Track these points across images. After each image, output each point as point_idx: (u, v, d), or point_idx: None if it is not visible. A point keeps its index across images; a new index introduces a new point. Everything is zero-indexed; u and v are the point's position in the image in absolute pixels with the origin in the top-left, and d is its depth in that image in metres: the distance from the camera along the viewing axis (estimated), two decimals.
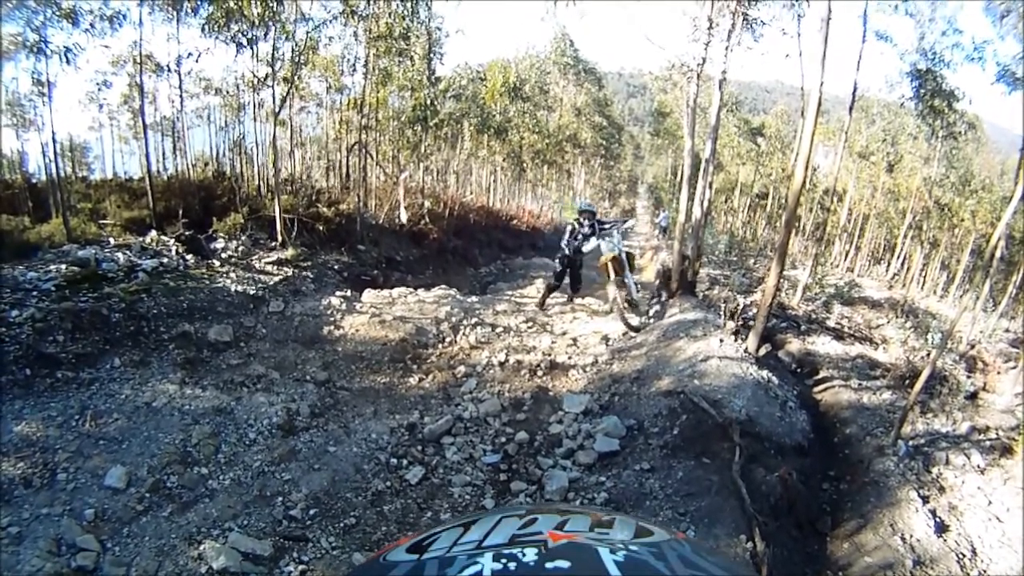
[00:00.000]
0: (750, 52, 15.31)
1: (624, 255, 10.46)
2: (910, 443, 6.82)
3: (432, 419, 7.35)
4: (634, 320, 10.31)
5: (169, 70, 17.03)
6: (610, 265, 10.47)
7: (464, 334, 9.76)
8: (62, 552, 4.65)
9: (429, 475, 6.35)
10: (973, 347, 10.23)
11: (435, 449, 6.85)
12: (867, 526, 5.69)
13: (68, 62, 12.54)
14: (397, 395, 8.05)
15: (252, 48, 15.31)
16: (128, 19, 14.07)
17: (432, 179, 26.73)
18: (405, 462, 6.50)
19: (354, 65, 19.01)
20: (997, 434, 7.22)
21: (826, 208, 26.62)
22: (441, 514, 5.77)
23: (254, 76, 16.11)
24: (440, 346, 9.46)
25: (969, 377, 9.08)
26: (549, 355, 9.21)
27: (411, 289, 12.16)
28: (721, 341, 8.53)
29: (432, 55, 20.57)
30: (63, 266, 9.31)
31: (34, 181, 14.60)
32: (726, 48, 11.31)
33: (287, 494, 5.72)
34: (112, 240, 11.02)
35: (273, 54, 14.78)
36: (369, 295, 11.52)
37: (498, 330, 10.09)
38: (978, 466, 6.47)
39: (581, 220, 11.50)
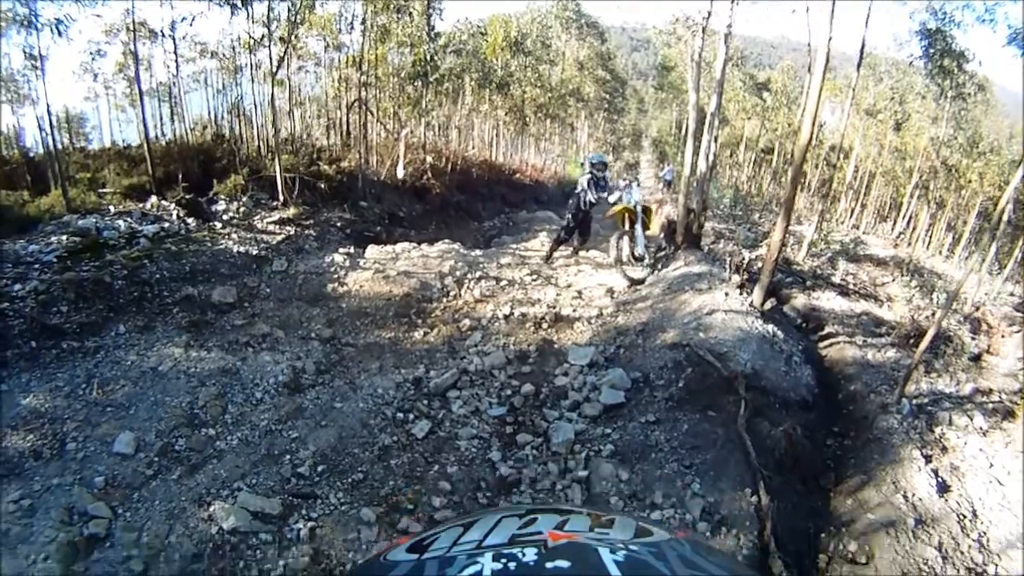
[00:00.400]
0: (756, 6, 15.03)
1: (640, 208, 10.33)
2: (914, 402, 6.82)
3: (438, 373, 7.35)
4: (636, 273, 10.24)
5: (163, 36, 16.94)
6: (624, 216, 10.38)
7: (468, 288, 9.72)
8: (74, 521, 4.68)
9: (435, 429, 6.37)
10: (978, 309, 10.16)
11: (441, 403, 6.85)
12: (870, 483, 5.71)
13: (60, 34, 12.41)
14: (402, 350, 8.05)
15: (247, 9, 15.19)
16: None
17: (434, 135, 26.52)
18: (411, 416, 6.50)
19: (352, 23, 18.87)
20: (1000, 397, 7.22)
21: (832, 165, 26.33)
22: (448, 467, 5.79)
23: (250, 37, 16.02)
24: (444, 300, 9.43)
25: (973, 339, 9.04)
26: (554, 308, 9.18)
27: (414, 244, 12.08)
28: (726, 295, 8.50)
29: (431, 10, 20.25)
30: (64, 237, 9.32)
31: (32, 155, 14.55)
32: (732, 1, 11.04)
33: (295, 452, 5.74)
34: (112, 208, 11.00)
35: (269, 14, 14.61)
36: (372, 251, 11.46)
37: (502, 283, 10.03)
38: (980, 428, 6.47)
39: (596, 172, 11.36)
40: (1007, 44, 14.91)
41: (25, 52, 12.75)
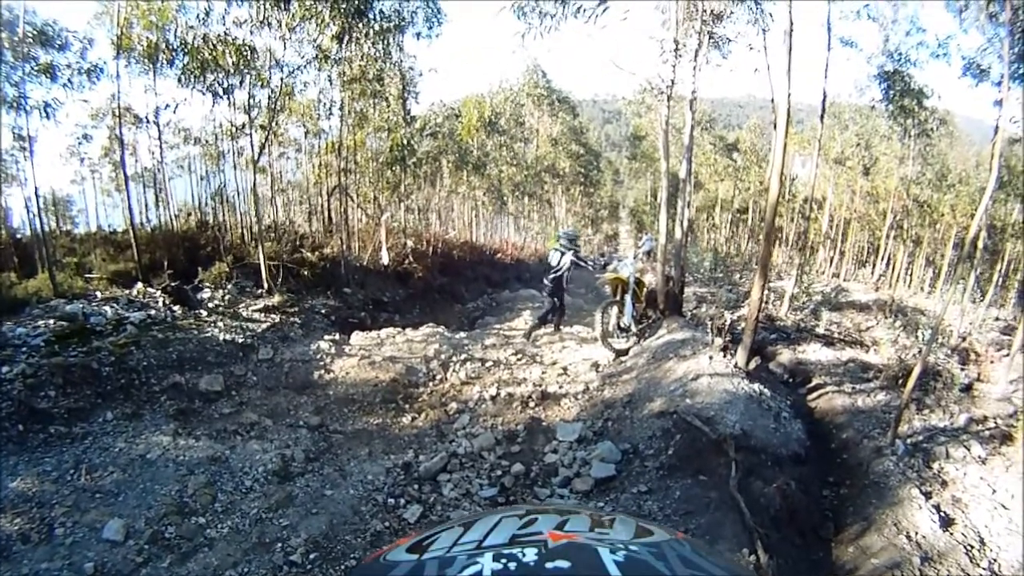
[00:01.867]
0: (719, 69, 15.55)
1: (633, 280, 10.53)
2: (908, 441, 6.89)
3: (427, 457, 7.35)
4: (621, 344, 10.37)
5: (148, 121, 17.29)
6: (617, 285, 10.57)
7: (454, 370, 9.80)
8: None
9: (427, 513, 6.35)
10: (964, 339, 10.33)
11: (432, 487, 6.84)
12: (871, 528, 5.72)
13: (48, 116, 12.73)
14: (391, 435, 8.08)
15: (229, 97, 15.56)
16: (105, 72, 14.36)
17: (414, 218, 26.89)
18: (402, 501, 6.49)
19: (330, 109, 19.30)
20: (996, 423, 7.29)
21: (807, 216, 26.95)
22: None
23: (232, 124, 16.36)
24: (431, 384, 9.49)
25: (963, 369, 9.17)
26: (540, 385, 9.26)
27: (399, 329, 12.20)
28: (711, 358, 8.61)
29: (407, 95, 20.90)
30: (51, 321, 9.34)
31: (19, 236, 14.64)
32: (694, 67, 11.50)
33: (286, 540, 5.71)
34: (99, 294, 11.05)
35: (249, 102, 14.99)
36: (358, 337, 11.54)
37: (488, 364, 10.12)
38: (979, 456, 6.51)
39: (565, 246, 11.62)
40: (963, 75, 15.50)
41: (14, 133, 12.96)
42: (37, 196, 12.98)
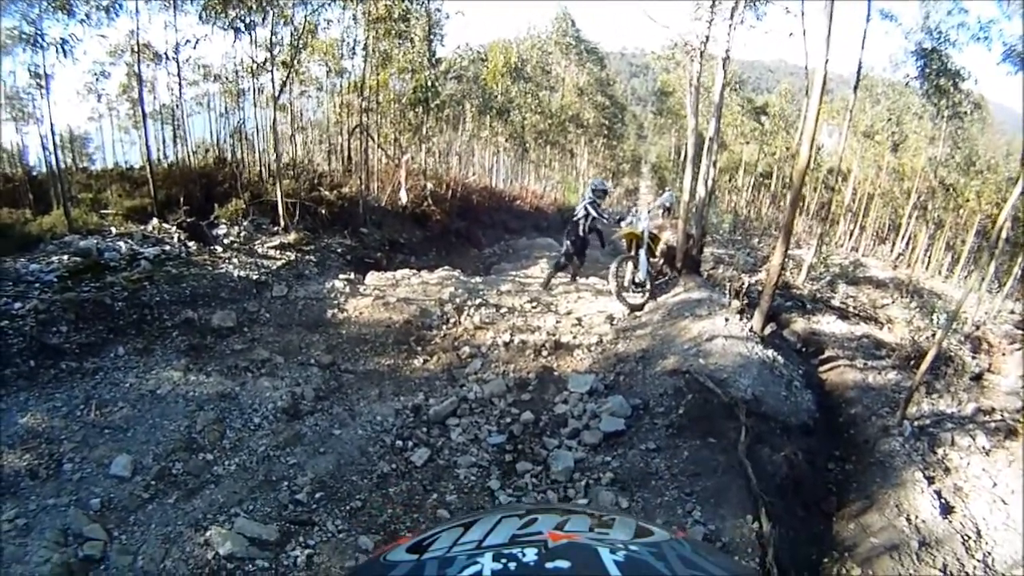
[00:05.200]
0: (753, 31, 15.16)
1: (648, 235, 10.37)
2: (915, 424, 6.82)
3: (437, 401, 7.34)
4: (635, 299, 10.23)
5: (167, 58, 16.93)
6: (632, 240, 10.42)
7: (468, 315, 9.71)
8: (69, 542, 4.65)
9: (434, 457, 6.35)
10: (978, 328, 10.14)
11: (440, 431, 6.84)
12: (873, 507, 5.70)
13: (65, 54, 12.46)
14: (402, 377, 8.05)
15: (250, 33, 15.25)
16: (124, 8, 14.01)
17: (434, 161, 26.58)
18: (410, 444, 6.49)
19: (354, 48, 18.91)
20: (1002, 416, 7.20)
21: (830, 187, 26.42)
22: (447, 495, 5.78)
23: (253, 61, 16.03)
24: (444, 327, 9.43)
25: (974, 358, 9.02)
26: (554, 335, 9.17)
27: (415, 271, 12.10)
28: (726, 320, 8.50)
29: (432, 36, 20.43)
30: (65, 257, 9.30)
31: (34, 174, 14.56)
32: (729, 26, 11.15)
33: (293, 478, 5.71)
34: (114, 229, 11.00)
35: (272, 39, 14.71)
36: (373, 277, 11.48)
37: (502, 310, 10.03)
38: (983, 448, 6.46)
39: (596, 199, 11.50)
40: (1002, 61, 15.06)
41: (30, 71, 12.75)
42: (53, 133, 12.85)
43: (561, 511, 1.70)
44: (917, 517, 5.39)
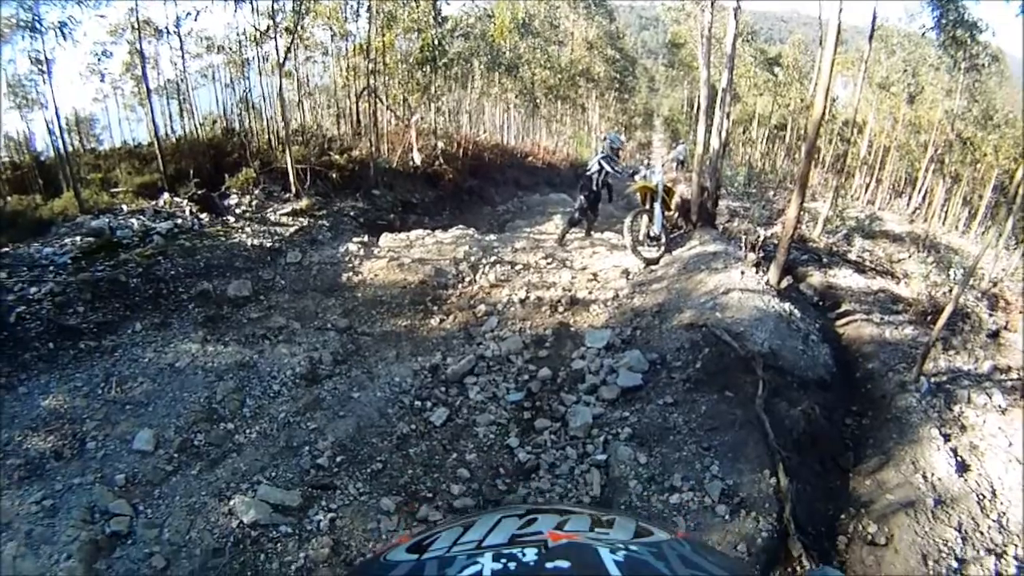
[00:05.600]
0: None
1: (662, 188, 10.26)
2: (932, 380, 6.69)
3: (454, 360, 7.33)
4: (651, 253, 10.13)
5: (169, 33, 16.86)
6: (646, 194, 10.34)
7: (483, 273, 9.69)
8: (96, 519, 4.70)
9: (453, 416, 6.37)
10: (995, 285, 9.93)
11: (458, 390, 6.85)
12: (889, 463, 5.63)
13: (65, 37, 12.35)
14: (419, 337, 8.04)
15: (252, 1, 15.05)
16: None
17: (444, 120, 26.28)
18: (429, 404, 6.51)
19: (358, 10, 18.66)
20: (1019, 375, 7.07)
21: (846, 140, 25.90)
22: (466, 455, 5.79)
23: (256, 29, 15.86)
24: (460, 286, 9.42)
25: (991, 315, 8.83)
26: (569, 291, 9.12)
27: (428, 231, 12.06)
28: (742, 273, 8.39)
29: None
30: (78, 238, 9.35)
31: (43, 159, 14.57)
32: None
33: (313, 443, 5.74)
34: (125, 207, 11.03)
35: (274, 5, 14.50)
36: (386, 239, 11.45)
37: (517, 267, 9.99)
38: (999, 406, 6.33)
39: (611, 153, 11.40)
40: (1020, 13, 14.58)
41: (31, 57, 12.68)
42: (59, 117, 12.79)
43: (561, 511, 1.74)
44: (933, 475, 5.31)
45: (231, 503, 4.88)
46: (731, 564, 1.54)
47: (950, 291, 8.79)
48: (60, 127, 12.76)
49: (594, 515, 1.53)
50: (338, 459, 5.57)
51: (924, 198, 29.75)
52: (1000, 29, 21.57)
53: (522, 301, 8.79)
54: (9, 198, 11.51)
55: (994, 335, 8.22)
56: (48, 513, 4.72)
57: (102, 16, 14.68)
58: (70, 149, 13.94)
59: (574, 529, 1.38)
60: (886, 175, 34.56)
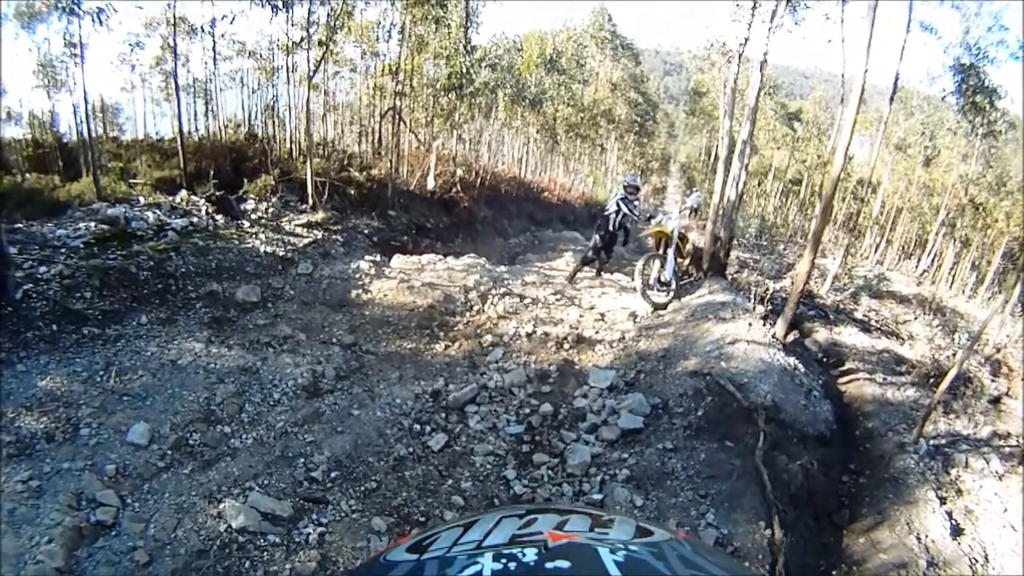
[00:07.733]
0: (790, 35, 14.92)
1: (677, 235, 10.29)
2: (931, 442, 6.71)
3: (457, 387, 7.27)
4: (660, 298, 10.14)
5: (203, 32, 17.02)
6: (660, 239, 10.40)
7: (492, 303, 9.65)
8: (82, 507, 4.62)
9: (452, 443, 6.30)
10: (999, 351, 9.95)
11: (459, 417, 6.78)
12: (884, 523, 5.61)
13: (100, 23, 12.49)
14: (423, 361, 7.98)
15: (288, 11, 15.24)
16: None
17: (464, 148, 26.47)
18: (428, 428, 6.45)
19: (390, 32, 18.90)
20: (1018, 441, 7.09)
21: (859, 198, 26.08)
22: (462, 482, 5.71)
23: (288, 39, 16.02)
24: (468, 314, 9.37)
25: (993, 381, 8.83)
26: (576, 328, 9.08)
27: (440, 256, 12.07)
28: (750, 325, 8.38)
29: (469, 23, 20.30)
30: (92, 224, 9.34)
31: (65, 141, 14.66)
32: (768, 30, 10.96)
33: (309, 456, 5.68)
34: (142, 199, 11.04)
35: (309, 18, 14.65)
36: (398, 260, 11.46)
37: (526, 301, 9.96)
38: (996, 472, 6.37)
39: (629, 194, 11.48)
40: None
41: (65, 39, 12.81)
42: (86, 102, 12.92)
43: (561, 511, 1.70)
44: (927, 536, 5.30)
45: (221, 506, 4.81)
46: (731, 565, 1.52)
47: (954, 355, 8.79)
48: (86, 112, 12.84)
49: (594, 515, 1.53)
50: (333, 474, 5.50)
51: (933, 261, 29.77)
52: (1018, 96, 21.92)
53: (529, 335, 8.74)
54: (28, 175, 11.53)
55: (995, 401, 8.24)
56: (34, 494, 4.64)
57: (139, 7, 14.95)
58: (93, 135, 13.97)
59: (574, 529, 1.38)
60: (897, 236, 34.71)
